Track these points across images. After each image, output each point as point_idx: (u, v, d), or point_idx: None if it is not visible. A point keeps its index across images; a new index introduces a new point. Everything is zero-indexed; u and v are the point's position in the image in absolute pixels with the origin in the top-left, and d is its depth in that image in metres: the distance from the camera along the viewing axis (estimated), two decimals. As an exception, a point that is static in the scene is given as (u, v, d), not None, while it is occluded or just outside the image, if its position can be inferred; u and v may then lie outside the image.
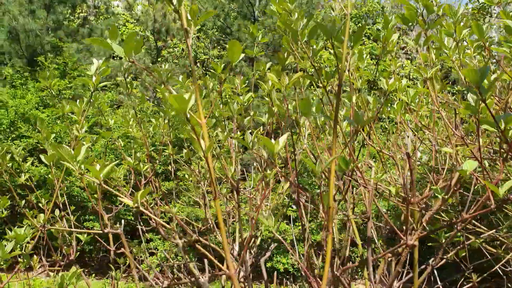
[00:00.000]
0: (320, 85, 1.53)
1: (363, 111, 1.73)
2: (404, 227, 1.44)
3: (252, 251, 2.32)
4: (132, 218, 9.50)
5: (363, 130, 1.94)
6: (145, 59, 14.19)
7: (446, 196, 1.31)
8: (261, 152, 1.64)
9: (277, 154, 1.04)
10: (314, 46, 1.51)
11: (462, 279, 2.92)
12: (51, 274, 2.53)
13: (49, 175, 2.52)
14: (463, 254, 2.47)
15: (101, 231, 2.17)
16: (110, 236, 2.36)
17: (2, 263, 1.75)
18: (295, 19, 1.46)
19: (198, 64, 16.84)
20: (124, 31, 18.42)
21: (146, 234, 2.70)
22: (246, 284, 2.02)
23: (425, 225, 1.48)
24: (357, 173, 1.61)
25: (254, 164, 3.21)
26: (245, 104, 2.22)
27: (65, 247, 2.66)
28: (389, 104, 2.15)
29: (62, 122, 10.39)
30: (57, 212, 2.67)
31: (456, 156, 1.61)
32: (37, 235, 2.00)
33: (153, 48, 16.32)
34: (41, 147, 10.11)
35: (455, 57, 1.68)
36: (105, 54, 14.52)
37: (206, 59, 16.54)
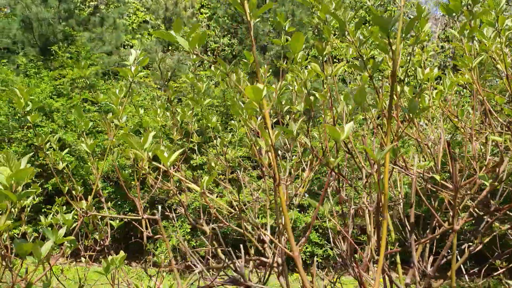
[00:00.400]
0: (366, 74, 1.55)
1: (416, 100, 1.76)
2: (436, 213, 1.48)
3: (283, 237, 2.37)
4: (147, 205, 9.61)
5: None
6: (156, 48, 14.21)
7: (495, 183, 1.34)
8: (304, 140, 1.68)
9: (341, 141, 1.07)
10: (361, 37, 1.54)
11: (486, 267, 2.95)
12: (83, 259, 2.60)
13: (88, 163, 2.57)
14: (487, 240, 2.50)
15: (139, 217, 2.23)
16: (146, 221, 2.41)
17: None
18: (343, 11, 1.48)
19: (209, 53, 16.84)
20: (134, 19, 18.42)
21: (161, 222, 2.74)
22: (282, 269, 2.07)
23: (471, 210, 1.52)
24: (400, 161, 1.65)
25: (284, 152, 3.25)
26: (279, 93, 2.25)
27: (97, 233, 2.73)
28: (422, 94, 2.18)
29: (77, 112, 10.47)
30: (90, 198, 2.73)
31: (503, 144, 1.64)
32: (80, 221, 2.05)
33: (164, 37, 16.32)
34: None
35: (495, 46, 1.70)
36: (116, 44, 14.55)
37: (216, 47, 16.54)
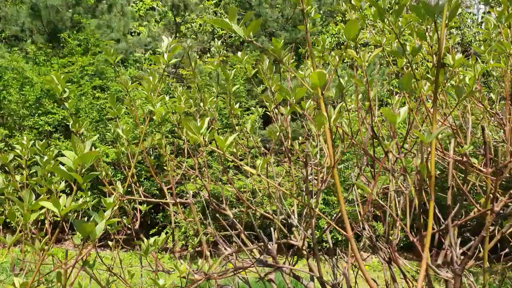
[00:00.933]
0: (405, 60, 1.59)
1: (462, 85, 1.79)
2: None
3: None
4: (158, 193, 9.69)
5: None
6: (164, 35, 14.16)
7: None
8: (342, 124, 1.72)
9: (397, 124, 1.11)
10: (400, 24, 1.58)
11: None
12: (110, 243, 2.67)
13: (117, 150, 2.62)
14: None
15: (172, 201, 2.29)
16: (179, 205, 2.47)
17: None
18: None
19: (216, 39, 16.78)
20: (141, 6, 18.37)
21: (171, 207, 2.80)
22: (313, 254, 2.13)
23: None
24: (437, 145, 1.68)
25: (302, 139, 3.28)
26: (306, 77, 2.28)
27: (125, 217, 2.79)
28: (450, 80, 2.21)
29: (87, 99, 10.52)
30: (119, 184, 2.78)
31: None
32: (117, 204, 2.11)
33: (172, 24, 16.28)
34: (66, 123, 10.30)
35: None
36: (124, 31, 14.53)
37: (224, 34, 16.49)
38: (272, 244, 2.20)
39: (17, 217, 2.49)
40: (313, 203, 2.13)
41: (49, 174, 2.18)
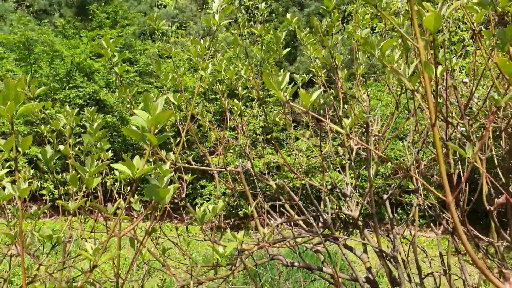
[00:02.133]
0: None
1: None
2: None
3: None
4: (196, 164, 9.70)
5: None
6: (192, 7, 14.02)
7: None
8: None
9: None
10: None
11: None
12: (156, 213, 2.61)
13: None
14: None
15: (223, 169, 2.23)
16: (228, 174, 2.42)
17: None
18: None
19: (243, 10, 16.52)
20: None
21: (216, 177, 2.75)
22: (374, 223, 2.04)
23: None
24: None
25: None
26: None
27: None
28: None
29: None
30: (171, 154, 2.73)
31: None
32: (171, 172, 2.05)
33: (199, -5, 16.10)
34: (97, 97, 10.37)
35: None
36: (152, 2, 14.42)
37: (250, 5, 16.21)
38: (328, 214, 2.12)
39: (64, 189, 2.47)
40: (371, 172, 2.04)
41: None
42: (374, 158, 2.21)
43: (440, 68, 1.07)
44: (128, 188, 2.83)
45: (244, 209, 10.29)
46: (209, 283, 2.24)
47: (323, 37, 2.02)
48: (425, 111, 1.67)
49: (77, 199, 1.68)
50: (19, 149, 1.08)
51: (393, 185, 2.31)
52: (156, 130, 1.14)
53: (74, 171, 2.50)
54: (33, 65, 10.49)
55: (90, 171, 1.43)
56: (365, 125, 1.85)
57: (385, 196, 2.06)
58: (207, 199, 10.14)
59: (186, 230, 2.74)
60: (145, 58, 11.15)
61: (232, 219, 10.62)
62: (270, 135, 10.69)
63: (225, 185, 2.84)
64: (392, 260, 1.99)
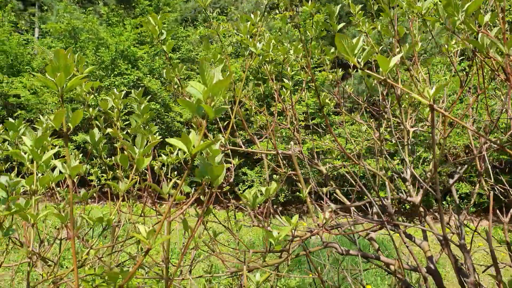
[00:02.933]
0: None
1: None
2: None
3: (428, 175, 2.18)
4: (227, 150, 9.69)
5: None
6: (232, -8, 13.92)
7: None
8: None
9: None
10: None
11: None
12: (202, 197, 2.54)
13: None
14: None
15: (274, 151, 2.13)
16: (280, 157, 2.32)
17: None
18: None
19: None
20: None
21: (265, 160, 2.65)
22: (439, 207, 1.89)
23: None
24: None
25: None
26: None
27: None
28: None
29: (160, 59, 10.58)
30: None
31: None
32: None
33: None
34: (141, 84, 10.46)
35: None
36: (193, -11, 14.41)
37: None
38: (388, 200, 1.98)
39: (111, 173, 2.43)
40: (436, 152, 1.89)
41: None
42: (437, 141, 2.05)
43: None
44: (175, 172, 2.78)
45: (283, 194, 10.20)
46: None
47: (384, 6, 1.86)
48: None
49: (126, 183, 1.62)
50: (69, 124, 1.01)
51: (458, 169, 2.13)
52: (213, 103, 1.04)
53: (122, 154, 2.46)
54: (79, 54, 10.70)
55: (140, 151, 1.36)
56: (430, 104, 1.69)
57: (451, 181, 1.90)
58: (249, 186, 10.11)
59: (234, 216, 2.67)
60: (187, 45, 11.16)
61: (274, 206, 10.56)
62: (312, 121, 10.48)
63: (274, 169, 2.74)
64: (460, 249, 1.83)
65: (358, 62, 0.94)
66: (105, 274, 0.94)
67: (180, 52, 11.08)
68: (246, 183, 10.14)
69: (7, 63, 10.57)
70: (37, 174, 1.26)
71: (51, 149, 1.49)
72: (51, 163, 1.30)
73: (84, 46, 10.78)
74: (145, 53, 10.62)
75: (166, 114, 10.07)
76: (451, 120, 2.60)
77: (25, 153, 1.35)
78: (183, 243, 3.54)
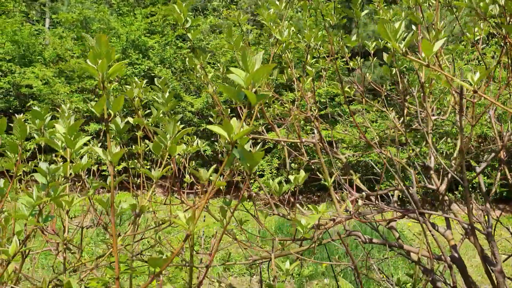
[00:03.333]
0: None
1: None
2: None
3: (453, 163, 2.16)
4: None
5: None
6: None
7: None
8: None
9: None
10: None
11: None
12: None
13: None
14: None
15: (297, 140, 2.12)
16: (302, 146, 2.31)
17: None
18: None
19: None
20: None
21: (285, 148, 2.64)
22: (466, 195, 1.88)
23: None
24: None
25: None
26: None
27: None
28: None
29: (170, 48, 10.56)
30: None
31: None
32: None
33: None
34: (151, 73, 10.48)
35: None
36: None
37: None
38: (414, 189, 1.97)
39: (132, 162, 2.44)
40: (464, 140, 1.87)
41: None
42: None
43: None
44: (193, 162, 2.78)
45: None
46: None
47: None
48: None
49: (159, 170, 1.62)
50: (110, 111, 1.01)
51: (485, 156, 2.11)
52: (254, 89, 1.04)
53: (143, 144, 2.47)
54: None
55: (172, 139, 1.36)
56: (458, 90, 1.68)
57: (478, 169, 1.89)
58: (260, 175, 10.12)
59: (254, 205, 2.68)
60: (199, 34, 11.14)
61: (287, 195, 10.56)
62: (323, 110, 10.43)
63: (297, 157, 2.73)
64: (486, 237, 1.82)
65: (400, 48, 0.93)
66: (149, 259, 0.94)
67: (192, 41, 11.04)
68: (258, 172, 10.15)
69: (19, 54, 10.61)
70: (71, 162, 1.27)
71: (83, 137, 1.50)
72: (80, 151, 1.31)
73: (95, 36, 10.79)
74: (155, 42, 10.61)
75: (177, 104, 10.08)
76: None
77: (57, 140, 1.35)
78: (203, 232, 3.56)
